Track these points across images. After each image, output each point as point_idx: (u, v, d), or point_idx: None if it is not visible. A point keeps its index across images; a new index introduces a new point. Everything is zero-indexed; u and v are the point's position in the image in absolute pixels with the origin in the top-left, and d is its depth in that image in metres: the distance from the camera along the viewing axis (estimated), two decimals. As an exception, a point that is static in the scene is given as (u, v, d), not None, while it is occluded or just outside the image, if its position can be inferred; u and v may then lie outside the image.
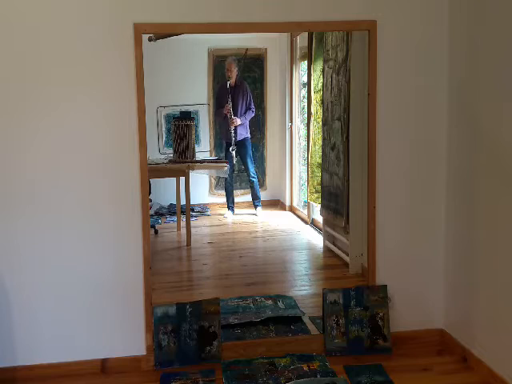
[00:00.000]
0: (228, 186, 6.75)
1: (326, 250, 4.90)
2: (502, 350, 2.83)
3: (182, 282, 4.57)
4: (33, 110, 2.93)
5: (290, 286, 4.41)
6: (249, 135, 6.66)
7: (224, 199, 6.98)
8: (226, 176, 6.62)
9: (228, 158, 6.55)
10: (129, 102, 2.99)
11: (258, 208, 6.74)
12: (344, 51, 4.14)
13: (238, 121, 6.45)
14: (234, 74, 6.47)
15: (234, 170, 6.71)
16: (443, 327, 3.37)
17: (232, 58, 6.60)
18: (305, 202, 6.40)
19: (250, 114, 6.61)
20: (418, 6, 3.15)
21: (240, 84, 6.54)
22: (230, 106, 6.41)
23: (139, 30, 2.94)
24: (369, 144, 3.22)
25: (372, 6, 3.11)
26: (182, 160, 5.64)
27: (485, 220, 2.94)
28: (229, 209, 6.73)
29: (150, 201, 4.79)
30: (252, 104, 6.60)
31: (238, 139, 6.48)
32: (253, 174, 6.70)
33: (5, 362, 3.04)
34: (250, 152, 6.70)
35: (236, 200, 6.87)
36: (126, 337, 3.14)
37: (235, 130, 6.45)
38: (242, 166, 6.77)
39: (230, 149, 6.46)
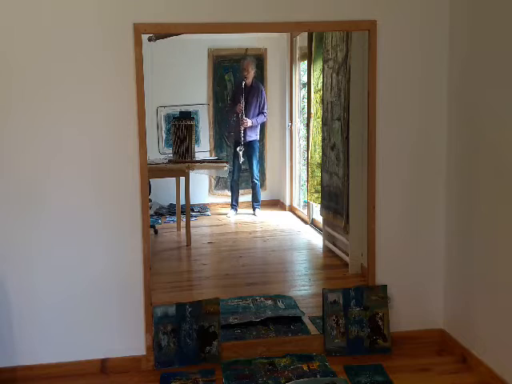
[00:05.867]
0: (233, 185, 6.73)
1: (326, 249, 4.90)
2: (502, 350, 2.83)
3: (181, 281, 4.57)
4: (32, 111, 2.93)
5: (289, 286, 4.41)
6: (258, 138, 6.66)
7: (224, 199, 6.98)
8: (226, 176, 6.61)
9: (235, 157, 6.56)
10: (129, 103, 2.99)
11: (257, 210, 6.73)
12: (344, 51, 4.14)
13: (249, 122, 6.44)
14: (250, 74, 6.46)
15: (241, 169, 6.70)
16: (443, 327, 3.37)
17: (250, 58, 6.61)
18: (305, 202, 6.40)
19: (262, 118, 6.59)
20: (418, 6, 3.15)
21: (256, 86, 6.53)
22: (242, 105, 6.40)
23: (139, 30, 2.94)
24: (369, 144, 3.22)
25: (372, 6, 3.11)
26: (182, 160, 5.64)
27: (485, 220, 2.93)
28: (232, 207, 6.72)
29: (150, 201, 4.79)
30: (265, 108, 6.56)
31: (246, 140, 6.49)
32: (256, 177, 6.70)
33: (5, 362, 3.04)
34: (257, 154, 6.70)
35: (236, 199, 6.88)
36: (125, 337, 3.14)
37: (245, 130, 6.45)
38: (247, 166, 6.74)
39: (238, 149, 6.46)
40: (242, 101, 6.40)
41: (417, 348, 3.29)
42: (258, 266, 4.96)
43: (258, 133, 6.67)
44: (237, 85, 6.72)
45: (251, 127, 6.49)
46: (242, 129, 6.42)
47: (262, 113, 6.54)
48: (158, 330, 3.12)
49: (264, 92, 6.58)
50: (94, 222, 3.06)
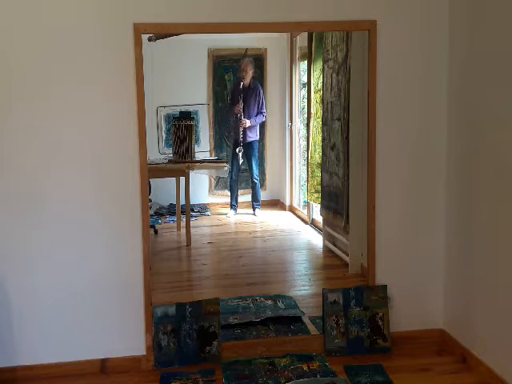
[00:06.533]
0: (233, 185, 6.72)
1: (326, 249, 4.90)
2: (502, 350, 2.83)
3: (181, 281, 4.57)
4: (32, 111, 2.93)
5: (289, 286, 4.41)
6: (257, 138, 6.65)
7: (224, 199, 6.98)
8: (226, 176, 6.61)
9: (234, 157, 6.55)
10: (129, 103, 2.99)
11: (257, 210, 6.73)
12: (344, 51, 4.14)
13: (248, 123, 6.44)
14: (248, 74, 6.44)
15: (240, 170, 6.69)
16: (443, 327, 3.37)
17: (249, 58, 6.59)
18: (305, 202, 6.40)
19: (261, 118, 6.58)
20: (417, 7, 3.15)
21: (254, 86, 6.51)
22: (240, 106, 6.40)
23: (139, 30, 2.94)
24: (369, 144, 3.22)
25: (372, 6, 3.11)
26: (182, 160, 5.64)
27: (485, 220, 2.93)
28: (231, 207, 6.71)
29: (150, 201, 4.80)
30: (264, 108, 6.56)
31: (246, 141, 6.48)
32: (256, 176, 6.70)
33: (5, 362, 3.04)
34: (257, 154, 6.69)
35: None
36: (125, 337, 3.14)
37: (244, 131, 6.45)
38: (247, 166, 6.74)
39: (237, 150, 6.45)
40: (241, 101, 6.40)
41: (417, 348, 3.29)
42: (258, 266, 4.96)
43: (258, 133, 6.67)
44: (235, 85, 6.73)
45: (250, 127, 6.49)
46: (241, 129, 6.42)
47: (261, 113, 6.54)
48: (157, 330, 3.12)
49: (262, 92, 6.58)
50: (94, 222, 3.06)
